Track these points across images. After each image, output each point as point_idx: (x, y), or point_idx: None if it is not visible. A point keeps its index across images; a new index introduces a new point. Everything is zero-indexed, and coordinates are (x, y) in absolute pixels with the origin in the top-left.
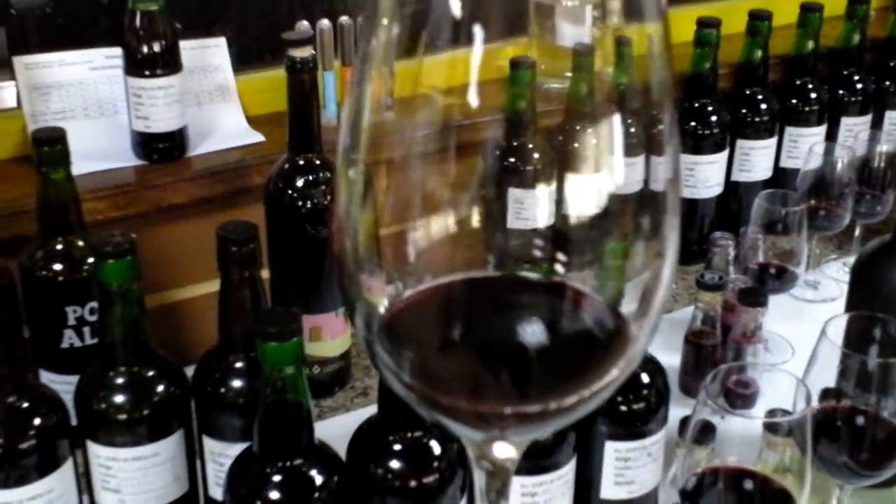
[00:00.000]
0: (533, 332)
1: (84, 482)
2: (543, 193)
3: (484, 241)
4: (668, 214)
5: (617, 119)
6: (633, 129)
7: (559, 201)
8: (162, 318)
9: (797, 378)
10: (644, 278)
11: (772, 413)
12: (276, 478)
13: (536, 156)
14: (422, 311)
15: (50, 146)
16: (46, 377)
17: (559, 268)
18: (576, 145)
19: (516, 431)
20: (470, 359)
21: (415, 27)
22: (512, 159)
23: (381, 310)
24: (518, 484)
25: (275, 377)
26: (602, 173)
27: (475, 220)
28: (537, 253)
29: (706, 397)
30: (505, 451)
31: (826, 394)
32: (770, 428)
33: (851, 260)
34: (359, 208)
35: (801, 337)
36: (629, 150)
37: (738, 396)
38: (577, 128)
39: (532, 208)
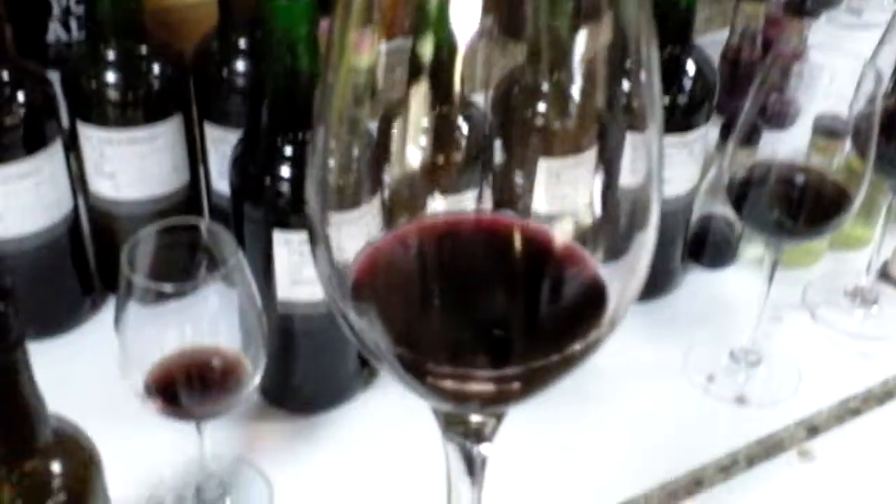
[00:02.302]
0: (516, 293)
1: (77, 171)
2: None
3: None
4: None
5: None
6: None
7: None
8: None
9: (865, 58)
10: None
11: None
12: (287, 151)
13: None
14: (393, 267)
15: None
16: None
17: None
18: None
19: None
20: (447, 322)
21: None
22: None
23: (351, 261)
24: None
25: (285, 42)
26: None
27: None
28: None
29: (761, 80)
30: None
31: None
32: (821, 130)
33: None
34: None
35: (841, 66)
36: None
37: (780, 116)
38: None
39: None
